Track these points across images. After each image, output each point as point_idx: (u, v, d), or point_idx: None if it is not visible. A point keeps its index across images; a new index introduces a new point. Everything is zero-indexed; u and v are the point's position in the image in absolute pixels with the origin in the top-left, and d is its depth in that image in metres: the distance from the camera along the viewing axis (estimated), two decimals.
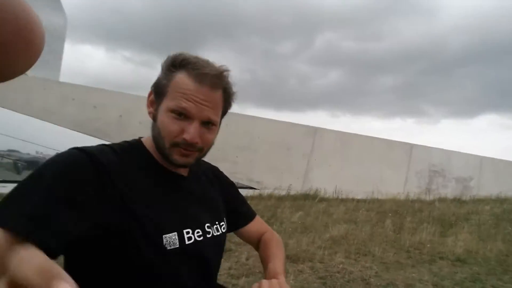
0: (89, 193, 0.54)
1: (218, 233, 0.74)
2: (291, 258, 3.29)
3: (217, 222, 0.75)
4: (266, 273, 0.75)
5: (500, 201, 9.21)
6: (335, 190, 8.52)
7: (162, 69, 0.67)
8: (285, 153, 9.00)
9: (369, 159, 9.51)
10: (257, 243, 0.90)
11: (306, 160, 9.09)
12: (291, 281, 2.83)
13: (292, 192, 7.94)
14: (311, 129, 9.27)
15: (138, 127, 8.53)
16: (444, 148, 10.84)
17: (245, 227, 0.90)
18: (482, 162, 10.80)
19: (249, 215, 0.92)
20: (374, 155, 9.61)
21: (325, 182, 8.58)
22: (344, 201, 7.78)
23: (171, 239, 0.62)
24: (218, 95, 0.66)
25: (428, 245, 4.25)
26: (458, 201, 9.03)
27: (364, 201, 7.95)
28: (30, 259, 0.36)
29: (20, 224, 0.45)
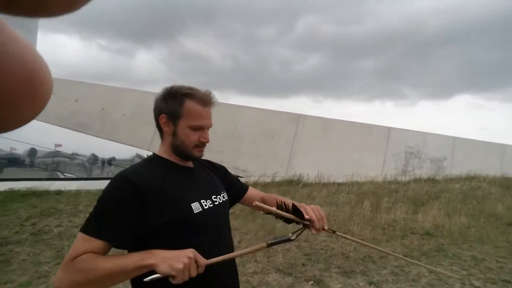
0: (135, 206, 0.86)
1: (222, 201, 1.06)
2: None
3: (220, 193, 1.07)
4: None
5: (469, 179, 9.90)
6: (317, 175, 8.91)
7: (167, 99, 0.98)
8: (269, 141, 9.27)
9: (349, 143, 9.89)
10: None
11: (290, 147, 9.39)
12: (280, 259, 3.15)
13: (277, 179, 8.26)
14: (294, 116, 9.54)
15: (121, 119, 8.53)
16: (420, 130, 11.31)
17: (246, 195, 1.23)
18: (455, 142, 11.40)
19: (244, 187, 1.27)
20: (354, 139, 9.99)
21: (308, 168, 8.94)
22: (326, 185, 8.19)
23: (196, 206, 0.94)
24: (211, 108, 1.03)
25: (402, 222, 4.70)
26: (431, 180, 9.62)
27: (344, 184, 8.39)
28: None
29: (99, 232, 0.83)
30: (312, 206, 0.99)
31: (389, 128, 10.53)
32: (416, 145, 10.86)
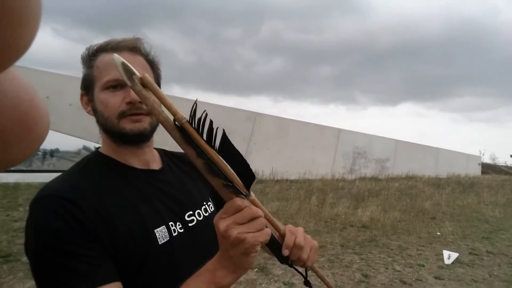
0: (78, 235, 0.52)
1: (202, 218, 0.71)
2: None
3: (199, 207, 0.72)
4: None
5: (407, 178, 10.90)
6: (272, 172, 9.22)
7: (83, 66, 0.67)
8: None
9: (302, 142, 10.34)
10: None
11: (246, 144, 9.58)
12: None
13: None
14: (251, 114, 9.74)
15: (68, 109, 8.04)
16: (367, 132, 12.15)
17: None
18: (397, 145, 12.43)
19: None
20: (307, 138, 10.47)
21: (263, 165, 9.21)
22: (279, 181, 8.52)
23: (161, 233, 0.61)
24: (140, 59, 0.66)
25: (343, 216, 5.12)
26: (375, 179, 10.43)
27: (297, 181, 8.80)
28: None
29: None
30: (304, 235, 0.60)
31: (340, 130, 11.18)
32: (363, 146, 11.66)
